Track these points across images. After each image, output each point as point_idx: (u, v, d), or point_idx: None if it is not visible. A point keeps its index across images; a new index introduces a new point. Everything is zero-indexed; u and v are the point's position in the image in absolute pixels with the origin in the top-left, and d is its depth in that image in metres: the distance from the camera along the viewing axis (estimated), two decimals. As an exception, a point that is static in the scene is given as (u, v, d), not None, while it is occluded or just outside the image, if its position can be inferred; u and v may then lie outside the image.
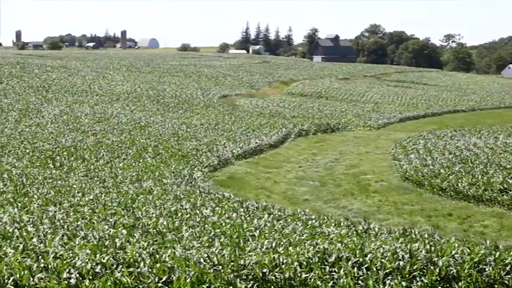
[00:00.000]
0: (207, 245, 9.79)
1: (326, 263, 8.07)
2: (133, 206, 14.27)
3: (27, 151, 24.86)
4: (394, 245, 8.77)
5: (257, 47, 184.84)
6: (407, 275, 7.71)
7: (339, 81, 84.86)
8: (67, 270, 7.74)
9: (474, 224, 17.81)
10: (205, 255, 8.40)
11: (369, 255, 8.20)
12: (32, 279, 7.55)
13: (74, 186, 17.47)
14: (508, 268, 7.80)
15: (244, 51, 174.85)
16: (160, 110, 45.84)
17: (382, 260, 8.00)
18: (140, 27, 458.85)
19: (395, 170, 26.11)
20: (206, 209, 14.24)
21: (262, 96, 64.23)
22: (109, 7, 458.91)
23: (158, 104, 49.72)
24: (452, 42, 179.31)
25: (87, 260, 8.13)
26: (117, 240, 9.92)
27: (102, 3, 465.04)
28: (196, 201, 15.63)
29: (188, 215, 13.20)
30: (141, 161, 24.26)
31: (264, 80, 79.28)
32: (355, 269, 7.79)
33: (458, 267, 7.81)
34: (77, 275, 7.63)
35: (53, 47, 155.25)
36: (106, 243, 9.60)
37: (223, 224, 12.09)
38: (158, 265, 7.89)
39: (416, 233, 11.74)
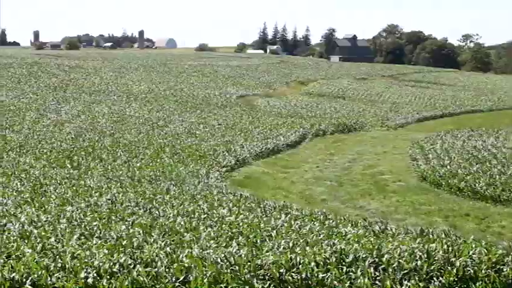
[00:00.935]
0: (224, 245, 9.78)
1: (343, 263, 8.06)
2: (151, 206, 14.31)
3: (45, 151, 25.00)
4: (411, 245, 8.74)
5: (274, 47, 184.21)
6: (424, 276, 7.69)
7: (357, 81, 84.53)
8: (84, 270, 7.79)
9: (491, 224, 17.74)
10: (223, 255, 8.41)
11: (386, 256, 8.17)
12: (49, 278, 7.61)
13: (92, 186, 17.52)
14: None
15: (261, 51, 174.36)
16: (178, 109, 45.93)
17: (400, 261, 7.98)
18: (158, 27, 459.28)
19: (413, 170, 26.03)
20: (223, 208, 14.22)
21: (280, 96, 64.13)
22: (127, 7, 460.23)
23: (175, 103, 49.85)
24: (470, 42, 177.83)
25: (104, 260, 8.17)
26: (134, 240, 9.94)
27: (120, 3, 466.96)
28: (213, 201, 15.64)
29: (205, 215, 13.20)
30: (158, 160, 24.33)
31: (282, 80, 79.20)
32: (372, 269, 7.78)
33: (476, 267, 7.79)
34: (95, 275, 7.68)
35: (70, 47, 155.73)
36: (123, 243, 9.62)
37: (241, 224, 12.07)
38: (175, 265, 7.93)
39: (434, 233, 11.68)
